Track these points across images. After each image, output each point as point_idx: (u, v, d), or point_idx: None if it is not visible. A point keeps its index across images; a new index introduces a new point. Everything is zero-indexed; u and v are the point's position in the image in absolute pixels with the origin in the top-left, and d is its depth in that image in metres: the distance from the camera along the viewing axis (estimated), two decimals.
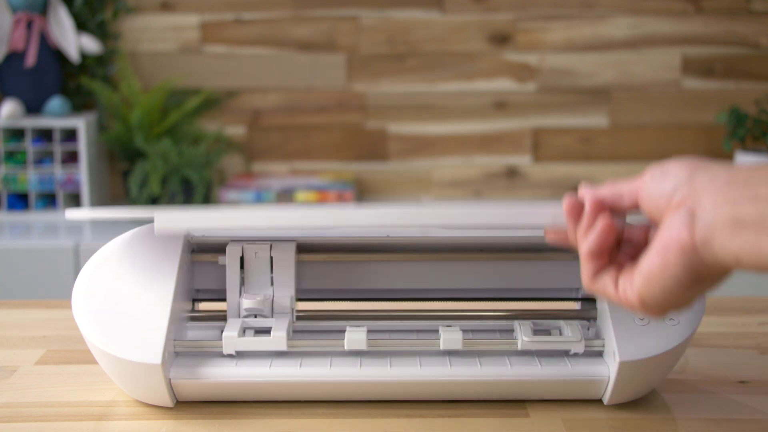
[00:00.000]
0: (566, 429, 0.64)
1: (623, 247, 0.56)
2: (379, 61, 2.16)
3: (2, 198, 1.98)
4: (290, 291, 0.71)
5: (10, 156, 1.96)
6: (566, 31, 2.15)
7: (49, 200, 2.00)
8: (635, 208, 0.54)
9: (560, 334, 0.70)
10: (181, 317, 0.70)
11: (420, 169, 2.19)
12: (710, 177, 0.49)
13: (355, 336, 0.67)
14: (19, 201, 1.98)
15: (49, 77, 2.00)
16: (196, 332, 0.73)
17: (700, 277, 0.49)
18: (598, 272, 0.55)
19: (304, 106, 2.17)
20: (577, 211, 0.56)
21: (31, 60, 1.96)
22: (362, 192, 2.18)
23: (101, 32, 2.08)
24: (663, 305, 0.52)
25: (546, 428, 0.64)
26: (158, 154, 1.97)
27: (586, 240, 0.55)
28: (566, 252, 0.73)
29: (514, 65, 2.16)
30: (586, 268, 0.56)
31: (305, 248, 0.73)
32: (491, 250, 0.74)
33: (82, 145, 1.94)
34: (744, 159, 1.94)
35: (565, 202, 0.56)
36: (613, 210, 0.55)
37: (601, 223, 0.54)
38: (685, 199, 0.49)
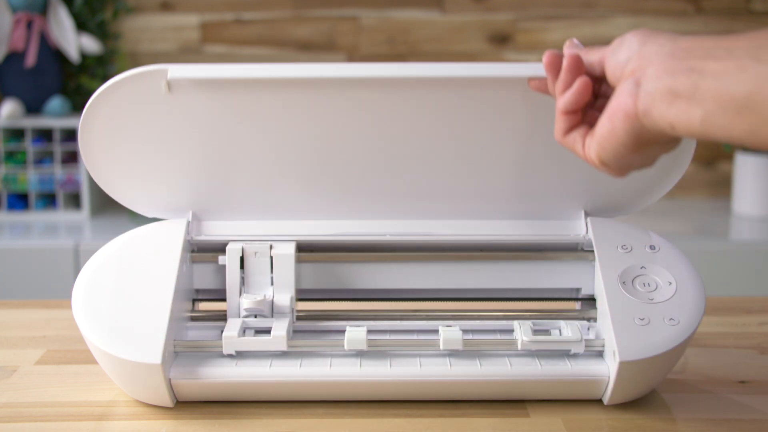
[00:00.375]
0: (566, 429, 0.64)
1: (598, 102, 0.60)
2: (379, 61, 2.16)
3: (2, 198, 1.98)
4: (290, 291, 0.71)
5: (10, 156, 1.96)
6: (566, 31, 2.15)
7: (49, 200, 2.00)
8: (604, 76, 0.58)
9: (560, 334, 0.70)
10: (181, 317, 0.70)
11: None
12: (657, 47, 0.52)
13: (355, 336, 0.67)
14: (19, 201, 1.98)
15: (49, 77, 2.00)
16: (196, 332, 0.73)
17: (642, 141, 0.54)
18: (570, 129, 0.59)
19: None
20: (557, 66, 0.60)
21: (31, 60, 1.96)
22: None
23: (101, 32, 2.08)
24: (618, 166, 0.57)
25: (546, 428, 0.64)
26: None
27: (563, 97, 0.59)
28: (566, 252, 0.74)
29: None
30: (559, 123, 0.60)
31: (305, 248, 0.73)
32: (491, 249, 0.74)
33: None
34: (744, 159, 1.94)
35: (545, 57, 0.60)
36: (587, 75, 0.59)
37: (579, 83, 0.58)
38: (635, 70, 0.53)
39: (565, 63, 0.59)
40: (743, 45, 0.48)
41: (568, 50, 0.60)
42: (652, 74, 0.51)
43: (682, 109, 0.50)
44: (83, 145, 0.70)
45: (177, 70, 0.66)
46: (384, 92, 0.68)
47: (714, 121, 0.49)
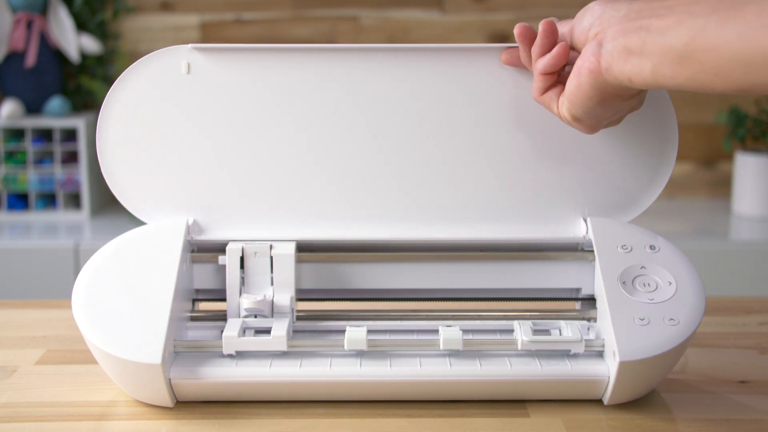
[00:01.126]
0: (566, 429, 0.64)
1: (567, 68, 0.66)
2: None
3: (2, 198, 1.98)
4: (290, 291, 0.71)
5: (10, 156, 1.96)
6: None
7: (49, 200, 2.00)
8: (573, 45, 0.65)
9: (560, 334, 0.70)
10: (181, 317, 0.70)
11: None
12: (615, 11, 0.60)
13: (355, 336, 0.67)
14: (19, 201, 1.98)
15: (49, 77, 2.00)
16: (196, 332, 0.73)
17: (606, 95, 0.61)
18: (546, 89, 0.66)
19: None
20: (528, 37, 0.67)
21: (31, 60, 1.96)
22: None
23: (101, 32, 2.08)
24: (588, 121, 0.64)
25: (546, 428, 0.64)
26: None
27: (542, 60, 0.65)
28: (566, 252, 0.74)
29: None
30: (537, 83, 0.66)
31: (305, 248, 0.73)
32: (491, 249, 0.74)
33: (82, 145, 1.94)
34: (744, 159, 1.94)
35: (517, 29, 0.67)
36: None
37: (559, 47, 0.64)
38: (597, 33, 0.60)
39: (540, 29, 0.65)
40: (681, 2, 0.55)
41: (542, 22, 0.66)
42: (611, 35, 0.59)
43: (636, 63, 0.57)
44: (100, 137, 0.73)
45: (197, 46, 0.71)
46: (389, 89, 0.72)
47: (661, 71, 0.55)
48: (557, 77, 0.66)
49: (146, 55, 0.72)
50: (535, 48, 0.66)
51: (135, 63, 0.72)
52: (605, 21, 0.60)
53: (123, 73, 0.72)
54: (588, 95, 0.61)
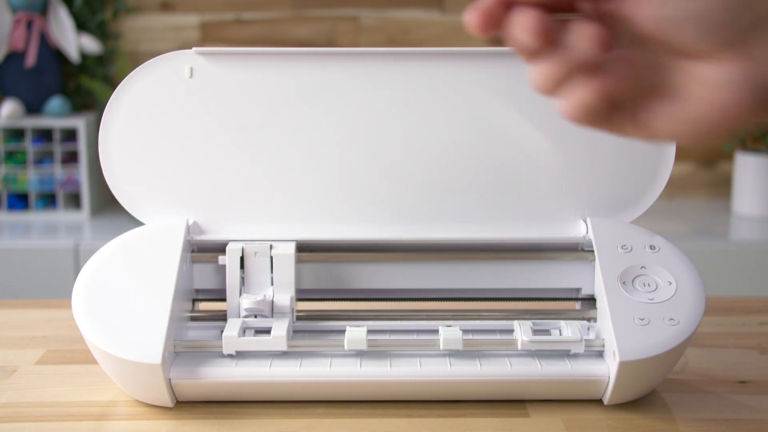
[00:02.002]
0: (566, 429, 0.64)
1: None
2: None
3: (2, 198, 1.98)
4: (290, 291, 0.71)
5: (10, 156, 1.96)
6: None
7: (49, 200, 2.00)
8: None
9: (560, 334, 0.70)
10: (181, 317, 0.70)
11: None
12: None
13: (355, 336, 0.67)
14: (19, 201, 1.98)
15: (49, 77, 2.00)
16: (196, 332, 0.73)
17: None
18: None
19: None
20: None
21: (31, 60, 1.96)
22: None
23: (101, 32, 2.08)
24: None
25: (546, 428, 0.64)
26: None
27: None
28: (566, 252, 0.74)
29: None
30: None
31: (305, 248, 0.73)
32: (491, 250, 0.74)
33: (82, 145, 1.94)
34: (744, 159, 1.94)
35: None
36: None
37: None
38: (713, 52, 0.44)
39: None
40: None
41: None
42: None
43: None
44: (103, 139, 0.73)
45: (200, 50, 0.72)
46: (389, 91, 0.72)
47: None
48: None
49: (150, 59, 0.73)
50: None
51: (139, 67, 0.73)
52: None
53: (127, 77, 0.73)
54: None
